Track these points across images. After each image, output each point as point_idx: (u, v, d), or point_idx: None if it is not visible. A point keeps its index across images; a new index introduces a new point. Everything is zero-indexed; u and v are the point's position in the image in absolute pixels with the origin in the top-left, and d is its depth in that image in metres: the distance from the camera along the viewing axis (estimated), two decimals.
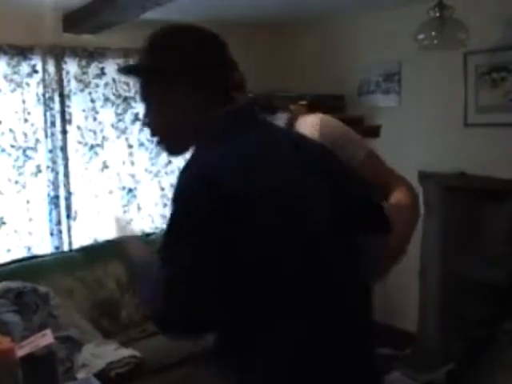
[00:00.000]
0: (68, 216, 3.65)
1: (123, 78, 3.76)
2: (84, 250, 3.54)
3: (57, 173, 3.59)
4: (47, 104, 3.52)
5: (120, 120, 3.80)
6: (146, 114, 1.39)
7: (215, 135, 1.30)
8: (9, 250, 3.49)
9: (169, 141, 1.39)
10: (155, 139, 1.41)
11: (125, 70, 1.45)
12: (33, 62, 3.46)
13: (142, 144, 3.88)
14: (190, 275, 1.17)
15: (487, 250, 3.05)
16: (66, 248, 3.64)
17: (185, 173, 1.24)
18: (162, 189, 3.97)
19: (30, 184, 3.53)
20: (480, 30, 2.97)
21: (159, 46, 1.35)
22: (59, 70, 3.54)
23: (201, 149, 1.30)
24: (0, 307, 2.77)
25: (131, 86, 3.79)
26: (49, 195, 3.58)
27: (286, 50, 4.20)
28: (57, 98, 3.56)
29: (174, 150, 1.43)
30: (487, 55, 3.17)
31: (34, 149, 3.53)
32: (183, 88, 1.32)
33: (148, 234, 3.64)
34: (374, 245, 1.43)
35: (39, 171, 3.56)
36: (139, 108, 3.83)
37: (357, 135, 1.79)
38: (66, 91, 3.58)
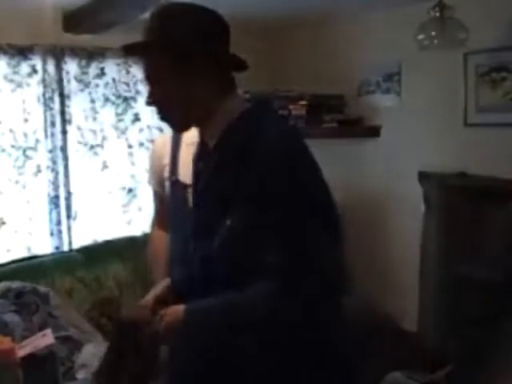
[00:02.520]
0: (68, 216, 3.64)
1: (123, 78, 3.76)
2: (84, 249, 3.54)
3: (57, 173, 3.59)
4: (47, 104, 3.52)
5: (120, 120, 3.80)
6: (152, 93, 1.39)
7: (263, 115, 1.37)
8: (9, 250, 3.48)
9: (177, 117, 1.41)
10: (161, 115, 1.42)
11: (134, 48, 1.42)
12: (33, 62, 3.46)
13: (141, 144, 3.88)
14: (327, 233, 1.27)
15: (487, 249, 3.05)
16: (66, 248, 3.64)
17: (281, 142, 1.30)
18: None
19: (30, 184, 3.53)
20: (480, 30, 2.97)
21: (172, 21, 1.34)
22: (59, 70, 3.54)
23: (269, 122, 1.35)
24: (0, 307, 2.77)
25: (131, 86, 3.79)
26: (49, 195, 3.58)
27: (285, 49, 4.20)
28: (57, 98, 3.55)
29: (181, 127, 1.47)
30: (487, 55, 3.17)
31: (34, 149, 3.53)
32: (195, 64, 1.33)
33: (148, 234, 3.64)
34: None
35: (39, 171, 3.56)
36: (139, 108, 3.84)
37: None
38: (66, 91, 3.57)
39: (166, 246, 2.00)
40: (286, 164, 1.26)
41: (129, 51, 1.47)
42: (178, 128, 1.48)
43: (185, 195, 1.83)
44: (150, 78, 1.39)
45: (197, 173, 1.47)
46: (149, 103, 1.42)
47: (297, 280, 1.24)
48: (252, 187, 1.26)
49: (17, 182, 3.48)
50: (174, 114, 1.41)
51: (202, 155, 1.46)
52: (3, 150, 3.43)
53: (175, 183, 1.89)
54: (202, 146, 1.46)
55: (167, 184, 1.93)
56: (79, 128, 3.67)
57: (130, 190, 3.87)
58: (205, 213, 1.40)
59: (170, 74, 1.34)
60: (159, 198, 2.05)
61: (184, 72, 1.33)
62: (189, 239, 1.66)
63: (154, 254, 2.06)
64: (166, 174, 1.93)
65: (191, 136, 1.91)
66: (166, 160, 1.94)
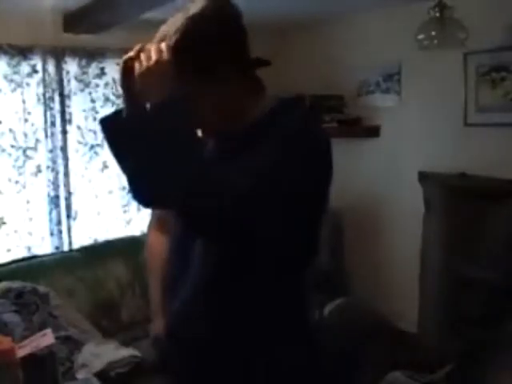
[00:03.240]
0: (68, 216, 3.65)
1: None
2: (84, 250, 3.54)
3: (57, 173, 3.59)
4: (47, 104, 3.52)
5: None
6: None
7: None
8: (9, 250, 3.49)
9: (215, 124, 1.36)
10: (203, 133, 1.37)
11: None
12: (33, 62, 3.46)
13: None
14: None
15: (487, 250, 3.05)
16: (66, 248, 3.64)
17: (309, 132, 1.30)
18: None
19: (29, 184, 3.53)
20: (480, 30, 2.97)
21: (197, 37, 1.29)
22: (59, 70, 3.54)
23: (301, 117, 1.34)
24: (0, 307, 2.77)
25: None
26: (49, 195, 3.58)
27: (285, 50, 4.21)
28: (57, 98, 3.55)
29: (209, 134, 1.40)
30: (487, 55, 3.17)
31: (34, 149, 3.53)
32: (221, 70, 1.30)
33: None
34: None
35: (39, 171, 3.56)
36: None
37: None
38: (66, 91, 3.58)
39: (164, 252, 2.00)
40: (300, 149, 1.25)
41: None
42: (208, 135, 1.41)
43: None
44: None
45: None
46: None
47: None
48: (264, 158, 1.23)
49: (17, 182, 3.48)
50: (206, 122, 1.35)
51: (222, 149, 1.40)
52: (3, 150, 3.43)
53: None
54: (223, 140, 1.41)
55: None
56: (79, 128, 3.67)
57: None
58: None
59: (194, 81, 1.30)
60: None
61: (209, 79, 1.30)
62: (188, 239, 1.66)
63: (153, 264, 2.05)
64: None
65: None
66: None
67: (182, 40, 1.28)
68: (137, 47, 1.28)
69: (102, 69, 3.70)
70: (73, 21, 3.45)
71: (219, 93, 1.31)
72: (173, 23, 1.32)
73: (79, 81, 3.64)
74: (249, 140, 1.32)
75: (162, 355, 1.81)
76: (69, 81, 3.59)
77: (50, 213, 3.60)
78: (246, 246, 1.23)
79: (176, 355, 1.45)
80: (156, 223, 2.11)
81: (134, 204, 3.89)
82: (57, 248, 3.62)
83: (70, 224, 3.66)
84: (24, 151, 3.49)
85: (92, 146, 3.73)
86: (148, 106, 1.23)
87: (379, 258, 3.85)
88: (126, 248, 3.48)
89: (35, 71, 3.47)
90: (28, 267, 3.25)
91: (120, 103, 3.77)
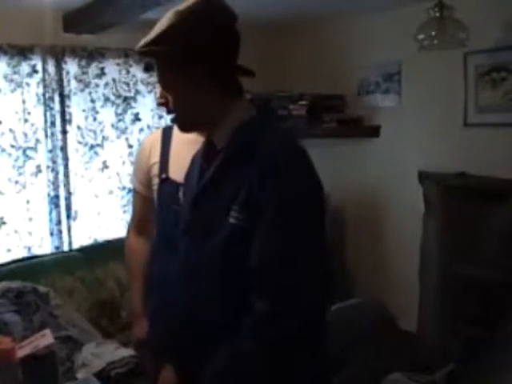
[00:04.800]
0: (68, 216, 3.65)
1: (123, 78, 3.76)
2: (84, 249, 3.54)
3: (57, 173, 3.59)
4: (47, 104, 3.52)
5: (120, 120, 3.80)
6: (163, 94, 1.42)
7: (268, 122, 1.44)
8: (9, 250, 3.49)
9: (185, 120, 1.44)
10: (171, 116, 1.45)
11: (144, 53, 1.42)
12: (33, 62, 3.46)
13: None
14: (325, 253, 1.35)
15: (487, 249, 3.05)
16: (66, 248, 3.64)
17: (294, 157, 1.34)
18: None
19: (29, 184, 3.53)
20: (480, 30, 2.97)
21: (179, 32, 1.33)
22: (59, 69, 3.54)
23: (277, 132, 1.41)
24: (0, 307, 2.77)
25: (131, 86, 3.79)
26: (49, 195, 3.58)
27: (285, 50, 4.21)
28: (57, 98, 3.56)
29: (188, 128, 1.48)
30: (487, 55, 3.17)
31: (34, 149, 3.53)
32: (201, 73, 1.35)
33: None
34: None
35: (39, 171, 3.56)
36: (139, 108, 3.84)
37: None
38: (66, 91, 3.58)
39: (145, 257, 2.00)
40: (290, 172, 1.30)
41: (142, 54, 1.44)
42: (185, 129, 1.50)
43: (175, 193, 1.83)
44: (160, 80, 1.41)
45: (201, 171, 1.48)
46: (160, 104, 1.45)
47: (292, 296, 1.26)
48: (257, 190, 1.28)
49: (17, 182, 3.48)
50: (182, 117, 1.43)
51: (207, 154, 1.47)
52: (3, 150, 3.43)
53: (165, 181, 1.89)
54: (209, 145, 1.48)
55: (155, 182, 1.93)
56: (79, 128, 3.68)
57: (130, 190, 3.86)
58: (205, 210, 1.41)
59: (178, 81, 1.36)
60: (141, 198, 2.03)
61: (192, 76, 1.35)
62: (177, 237, 1.66)
63: (133, 267, 2.05)
64: (155, 171, 1.93)
65: (182, 135, 1.92)
66: (156, 158, 1.94)
67: (165, 32, 1.33)
68: None
69: (102, 69, 3.70)
70: (73, 21, 3.45)
71: (194, 90, 1.36)
72: (163, 19, 1.37)
73: (79, 81, 3.64)
74: (231, 148, 1.38)
75: (143, 358, 1.83)
76: (69, 81, 3.59)
77: (50, 213, 3.60)
78: None
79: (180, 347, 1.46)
80: (135, 226, 2.10)
81: None
82: (57, 248, 3.62)
83: (70, 224, 3.66)
84: (24, 151, 3.49)
85: (92, 146, 3.73)
86: None
87: (379, 258, 3.85)
88: None
89: (35, 71, 3.48)
90: (28, 267, 3.25)
91: (119, 103, 3.77)
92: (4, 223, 3.48)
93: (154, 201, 1.96)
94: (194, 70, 1.34)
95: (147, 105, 3.86)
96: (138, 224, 2.10)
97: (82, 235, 3.71)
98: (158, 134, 2.00)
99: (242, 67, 1.41)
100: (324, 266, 1.33)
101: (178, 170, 1.87)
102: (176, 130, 1.96)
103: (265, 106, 1.53)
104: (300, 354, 1.30)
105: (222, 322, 1.34)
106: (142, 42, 1.38)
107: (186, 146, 1.89)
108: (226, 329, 1.32)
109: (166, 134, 1.98)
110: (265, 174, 1.28)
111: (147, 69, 2.03)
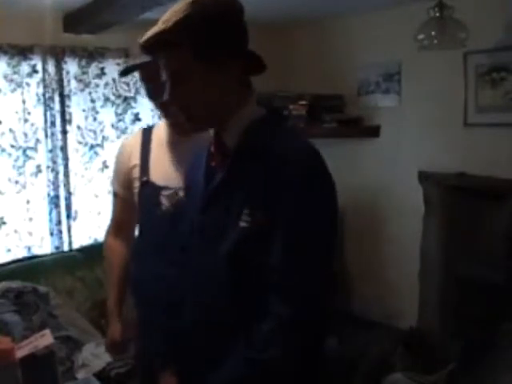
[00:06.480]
0: (68, 216, 3.65)
1: (123, 78, 3.76)
2: (84, 249, 3.54)
3: (57, 173, 3.59)
4: (47, 104, 3.52)
5: (120, 120, 3.80)
6: (172, 91, 1.33)
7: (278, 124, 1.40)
8: (9, 250, 3.49)
9: (198, 118, 1.36)
10: (170, 117, 1.40)
11: (158, 40, 1.30)
12: (33, 62, 3.46)
13: None
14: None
15: (487, 249, 3.05)
16: (66, 248, 3.64)
17: (308, 161, 1.29)
18: None
19: (29, 184, 3.53)
20: (480, 30, 2.97)
21: (196, 22, 1.27)
22: (59, 70, 3.54)
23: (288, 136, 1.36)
24: (0, 307, 2.77)
25: (131, 85, 3.79)
26: (49, 195, 3.58)
27: (285, 50, 4.20)
28: (57, 98, 3.56)
29: (198, 128, 1.42)
30: (487, 55, 3.17)
31: (34, 149, 3.53)
32: (221, 62, 1.30)
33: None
34: None
35: (39, 171, 3.56)
36: (139, 108, 3.84)
37: None
38: (66, 91, 3.58)
39: (123, 261, 1.99)
40: (305, 175, 1.27)
41: (152, 45, 1.32)
42: (195, 129, 1.43)
43: (157, 196, 1.81)
44: (172, 76, 1.32)
45: (207, 172, 1.42)
46: (166, 102, 1.36)
47: (314, 303, 1.28)
48: (270, 195, 1.26)
49: (17, 182, 3.48)
50: (195, 115, 1.35)
51: (214, 155, 1.41)
52: (3, 150, 3.43)
53: (146, 184, 1.86)
54: (217, 145, 1.41)
55: (136, 185, 1.90)
56: (79, 128, 3.68)
57: None
58: (216, 214, 1.37)
59: (195, 71, 1.29)
60: (121, 201, 2.00)
61: (209, 70, 1.29)
62: (163, 240, 1.64)
63: (109, 269, 2.03)
64: (135, 174, 1.90)
65: (162, 137, 1.90)
66: (136, 161, 1.91)
67: (180, 22, 1.26)
68: None
69: (102, 69, 3.69)
70: (73, 21, 3.45)
71: (215, 84, 1.31)
72: (174, 8, 1.31)
73: (79, 81, 3.64)
74: (244, 150, 1.34)
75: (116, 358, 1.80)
76: (69, 81, 3.59)
77: (50, 213, 3.60)
78: None
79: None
80: (114, 229, 2.08)
81: None
82: (57, 248, 3.62)
83: (70, 224, 3.66)
84: (24, 151, 3.49)
85: (92, 146, 3.73)
86: None
87: (379, 258, 3.85)
88: None
89: (35, 71, 3.47)
90: (28, 267, 3.25)
91: (119, 103, 3.77)
92: (4, 223, 3.48)
93: (135, 204, 1.92)
94: (209, 60, 1.29)
95: (147, 105, 3.85)
96: (117, 227, 2.06)
97: (82, 235, 3.71)
98: (138, 136, 1.96)
99: (255, 56, 1.38)
100: (330, 272, 1.34)
101: (158, 173, 1.85)
102: (156, 132, 1.94)
103: (273, 106, 1.50)
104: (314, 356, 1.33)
105: (232, 324, 1.32)
106: (151, 32, 1.29)
107: (166, 147, 1.88)
108: (237, 331, 1.30)
109: (146, 135, 1.94)
110: (280, 178, 1.25)
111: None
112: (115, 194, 2.03)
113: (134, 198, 1.91)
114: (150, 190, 1.85)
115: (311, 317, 1.27)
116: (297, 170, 1.26)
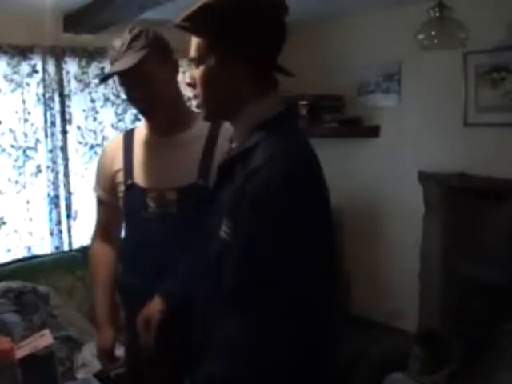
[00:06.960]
0: (68, 216, 3.65)
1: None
2: (84, 250, 3.53)
3: (57, 173, 3.59)
4: (47, 104, 3.52)
5: (120, 120, 3.80)
6: (193, 74, 1.32)
7: (281, 126, 1.30)
8: (9, 250, 3.49)
9: (210, 103, 1.33)
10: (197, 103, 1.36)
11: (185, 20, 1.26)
12: (33, 62, 3.46)
13: None
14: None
15: (487, 250, 3.04)
16: (66, 248, 3.64)
17: (292, 165, 1.20)
18: None
19: (29, 184, 3.53)
20: (480, 30, 2.97)
21: (218, 8, 1.25)
22: (59, 69, 3.54)
23: (282, 137, 1.26)
24: (0, 307, 2.77)
25: None
26: (49, 195, 3.58)
27: (285, 50, 4.19)
28: (57, 98, 3.56)
29: (210, 115, 1.38)
30: (487, 55, 3.17)
31: (34, 149, 3.53)
32: (243, 49, 1.28)
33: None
34: None
35: (39, 171, 3.56)
36: None
37: None
38: (66, 91, 3.58)
39: (111, 265, 1.97)
40: (273, 184, 1.17)
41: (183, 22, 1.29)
42: (207, 116, 1.38)
43: (144, 199, 1.79)
44: (194, 58, 1.31)
45: (218, 176, 1.38)
46: (188, 84, 1.35)
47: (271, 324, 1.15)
48: (245, 205, 1.18)
49: (17, 182, 3.48)
50: (208, 100, 1.32)
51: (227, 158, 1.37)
52: (3, 150, 3.43)
53: (131, 187, 1.84)
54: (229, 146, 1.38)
55: (121, 189, 1.87)
56: (79, 128, 3.68)
57: None
58: (210, 220, 1.34)
59: (209, 58, 1.28)
60: (105, 206, 1.98)
61: (229, 54, 1.27)
62: (151, 242, 1.63)
63: (97, 273, 2.00)
64: (119, 178, 1.88)
65: (144, 139, 1.89)
66: (119, 165, 1.88)
67: (204, 7, 1.24)
68: None
69: (102, 69, 3.69)
70: (73, 21, 3.45)
71: (232, 71, 1.28)
72: None
73: (79, 81, 3.64)
74: (237, 153, 1.29)
75: (108, 367, 1.79)
76: (69, 81, 3.59)
77: (50, 213, 3.60)
78: None
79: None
80: (100, 234, 2.06)
81: None
82: (57, 248, 3.62)
83: (70, 224, 3.66)
84: (24, 151, 3.50)
85: (92, 146, 3.73)
86: None
87: (379, 258, 3.85)
88: None
89: (35, 71, 3.48)
90: (28, 267, 3.26)
91: (119, 103, 3.77)
92: (4, 223, 3.48)
93: (120, 208, 1.90)
94: (231, 51, 1.27)
95: None
96: (102, 232, 2.04)
97: (82, 235, 3.70)
98: (120, 140, 1.94)
99: (280, 66, 1.36)
100: (314, 293, 1.19)
101: (142, 175, 1.83)
102: (137, 134, 1.91)
103: (289, 108, 1.39)
104: None
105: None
106: (183, 15, 1.27)
107: (149, 149, 1.86)
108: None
109: (127, 138, 1.91)
110: (246, 188, 1.16)
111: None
112: (99, 200, 2.00)
113: (119, 202, 1.89)
114: (135, 192, 1.82)
115: (265, 341, 1.15)
116: (258, 182, 1.16)
